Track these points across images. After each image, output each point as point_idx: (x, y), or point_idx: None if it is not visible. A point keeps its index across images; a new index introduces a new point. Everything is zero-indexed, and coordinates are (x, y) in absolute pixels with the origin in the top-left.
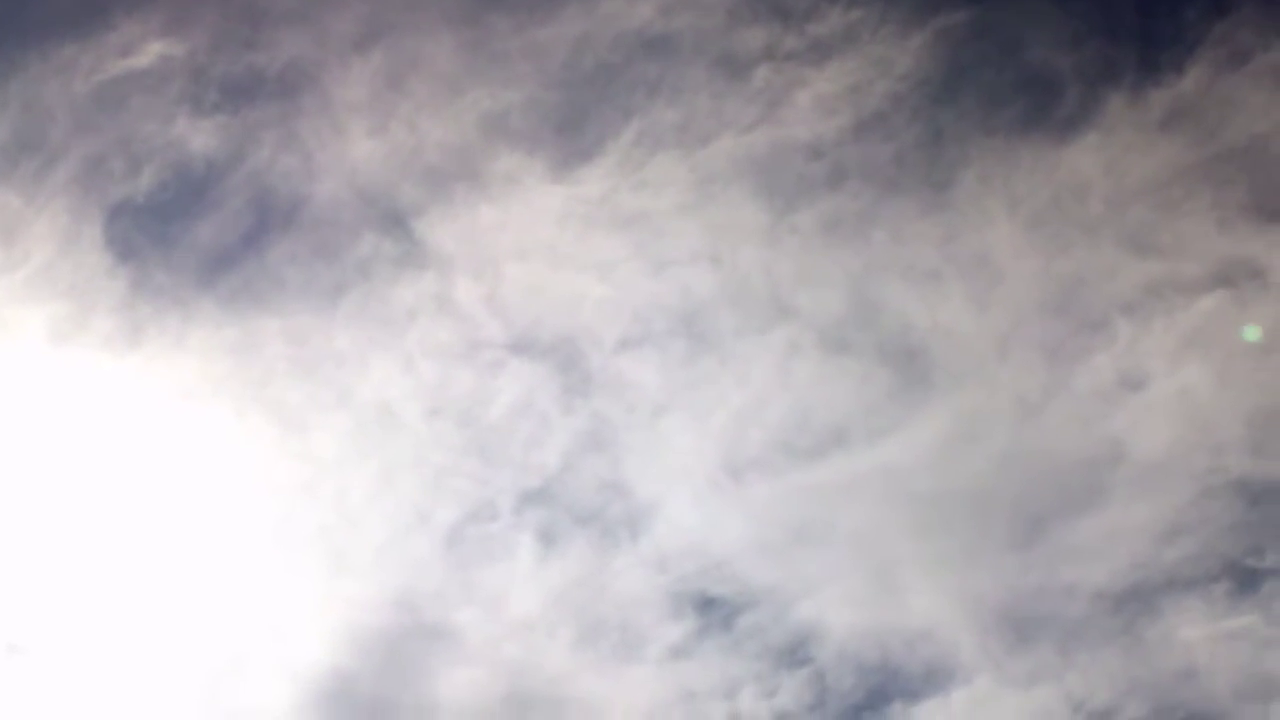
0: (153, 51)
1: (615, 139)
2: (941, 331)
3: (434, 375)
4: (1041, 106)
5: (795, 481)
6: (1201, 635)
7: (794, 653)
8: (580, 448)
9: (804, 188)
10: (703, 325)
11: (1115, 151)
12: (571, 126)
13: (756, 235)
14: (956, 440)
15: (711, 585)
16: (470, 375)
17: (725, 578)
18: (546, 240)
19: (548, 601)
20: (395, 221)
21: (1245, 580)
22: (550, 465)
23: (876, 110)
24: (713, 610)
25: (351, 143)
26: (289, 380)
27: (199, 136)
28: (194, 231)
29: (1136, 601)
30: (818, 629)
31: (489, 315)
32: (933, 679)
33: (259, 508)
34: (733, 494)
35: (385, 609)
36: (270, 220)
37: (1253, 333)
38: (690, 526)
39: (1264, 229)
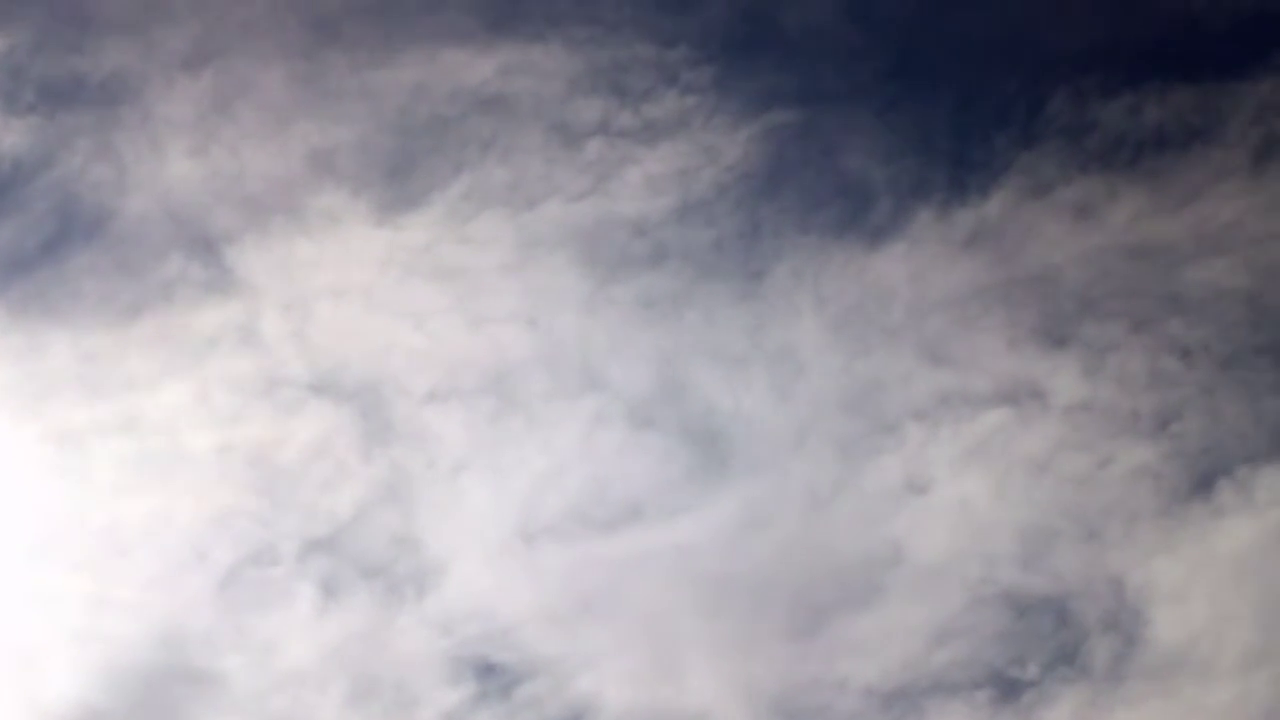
0: None
1: (443, 190)
2: (743, 418)
3: (228, 408)
4: (855, 212)
5: (588, 552)
6: None
7: None
8: (375, 498)
9: (625, 262)
10: (512, 386)
11: (920, 264)
12: (400, 173)
13: (574, 303)
14: (748, 526)
15: (494, 651)
16: (267, 412)
17: (508, 645)
18: (362, 283)
19: (323, 655)
20: (206, 246)
21: (1007, 689)
22: (341, 513)
23: (701, 196)
24: (492, 677)
25: (169, 161)
26: (73, 397)
27: (10, 136)
28: None
29: (904, 701)
30: (594, 705)
31: (294, 353)
32: None
33: (23, 528)
34: (525, 559)
35: (148, 648)
36: (74, 229)
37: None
38: (479, 589)
39: (1049, 354)
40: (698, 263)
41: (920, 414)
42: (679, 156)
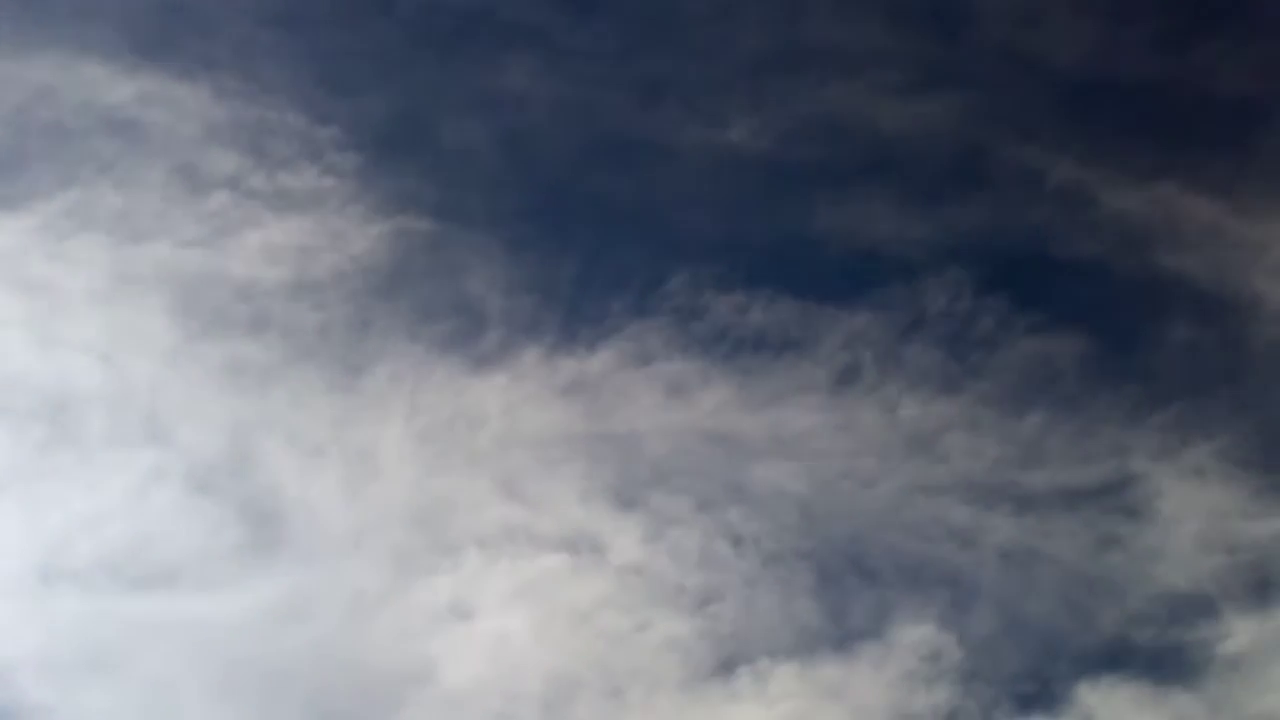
0: None
1: (46, 200)
2: (307, 506)
3: None
4: (467, 334)
5: (111, 607)
6: None
7: None
8: None
9: (222, 322)
10: (71, 419)
11: (517, 399)
12: (3, 171)
13: (158, 350)
14: (286, 616)
15: None
16: None
17: None
18: None
19: None
20: None
21: None
22: None
23: (318, 278)
24: None
25: None
26: None
27: None
28: None
29: None
30: None
31: None
32: None
33: None
34: (41, 599)
35: None
36: None
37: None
38: None
39: (616, 513)
40: (298, 342)
41: (483, 542)
42: (304, 233)
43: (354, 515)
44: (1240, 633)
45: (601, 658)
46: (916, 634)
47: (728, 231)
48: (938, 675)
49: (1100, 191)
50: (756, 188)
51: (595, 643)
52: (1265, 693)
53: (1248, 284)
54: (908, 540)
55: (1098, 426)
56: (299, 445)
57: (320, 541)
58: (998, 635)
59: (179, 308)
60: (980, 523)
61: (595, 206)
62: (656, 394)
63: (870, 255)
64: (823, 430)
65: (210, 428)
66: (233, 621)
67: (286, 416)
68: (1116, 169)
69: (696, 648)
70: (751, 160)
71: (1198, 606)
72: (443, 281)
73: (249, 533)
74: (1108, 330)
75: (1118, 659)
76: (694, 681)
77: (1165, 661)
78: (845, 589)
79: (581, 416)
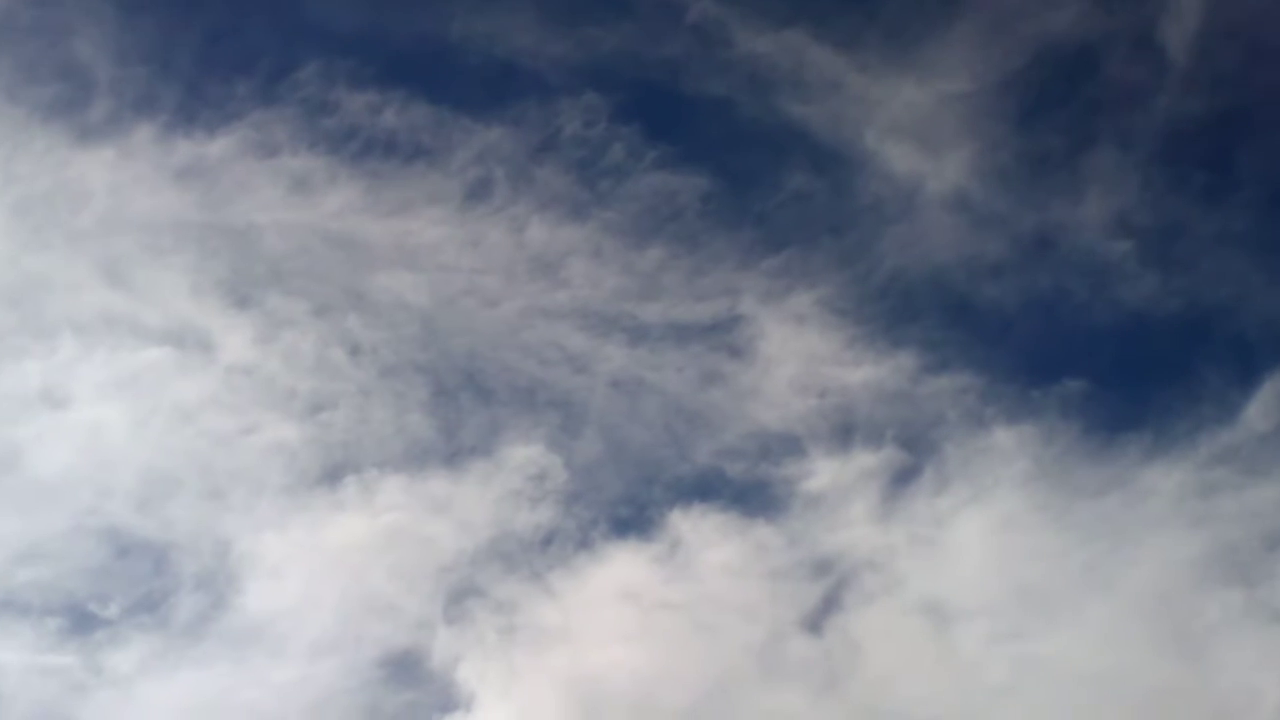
0: None
1: None
2: None
3: None
4: (73, 102)
5: None
6: (19, 662)
7: None
8: None
9: None
10: None
11: (125, 178)
12: None
13: None
14: None
15: None
16: None
17: None
18: None
19: None
20: None
21: (81, 623)
22: None
23: None
24: None
25: None
26: None
27: None
28: None
29: None
30: None
31: None
32: None
33: None
34: None
35: None
36: None
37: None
38: None
39: (228, 310)
40: None
41: (80, 328)
42: None
43: None
44: (822, 472)
45: (203, 458)
46: (525, 454)
47: (364, 25)
48: (542, 495)
49: (735, 31)
50: None
51: (197, 442)
52: (839, 529)
53: (860, 140)
54: (524, 361)
55: (712, 266)
56: None
57: None
58: (602, 460)
59: None
60: (595, 350)
61: None
62: (279, 188)
63: (508, 68)
64: (449, 244)
65: None
66: None
67: None
68: (752, 10)
69: (304, 454)
70: None
71: (786, 445)
72: (49, 41)
73: None
74: (729, 171)
75: (710, 489)
76: (299, 488)
77: (752, 495)
78: (459, 405)
79: (196, 204)
